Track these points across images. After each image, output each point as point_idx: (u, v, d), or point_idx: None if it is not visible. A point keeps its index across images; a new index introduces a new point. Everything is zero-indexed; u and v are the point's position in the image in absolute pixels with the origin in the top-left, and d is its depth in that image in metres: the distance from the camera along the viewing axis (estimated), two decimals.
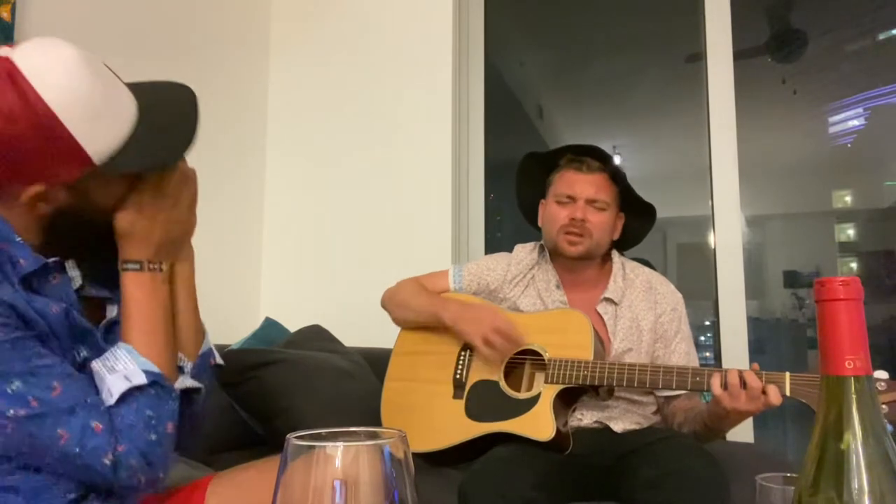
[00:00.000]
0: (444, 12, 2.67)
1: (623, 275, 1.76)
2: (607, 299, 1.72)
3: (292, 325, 2.33)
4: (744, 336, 2.33)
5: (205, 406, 1.08)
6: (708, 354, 3.37)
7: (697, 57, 2.56)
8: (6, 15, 1.77)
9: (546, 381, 1.57)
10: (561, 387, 1.55)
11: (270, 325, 2.33)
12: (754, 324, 3.86)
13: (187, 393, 1.02)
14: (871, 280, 4.01)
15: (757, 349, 3.00)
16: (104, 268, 1.00)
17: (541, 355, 1.61)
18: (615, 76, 4.04)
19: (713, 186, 2.41)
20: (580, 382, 1.54)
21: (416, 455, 1.55)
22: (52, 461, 0.86)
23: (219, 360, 1.11)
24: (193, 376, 1.03)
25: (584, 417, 1.64)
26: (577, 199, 1.69)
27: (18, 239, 0.92)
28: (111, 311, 1.03)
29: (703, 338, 3.51)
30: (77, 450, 0.85)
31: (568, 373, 1.54)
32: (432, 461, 1.64)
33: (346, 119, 2.74)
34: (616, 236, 1.77)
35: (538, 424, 1.52)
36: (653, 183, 2.24)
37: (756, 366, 1.41)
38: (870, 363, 0.49)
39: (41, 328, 0.88)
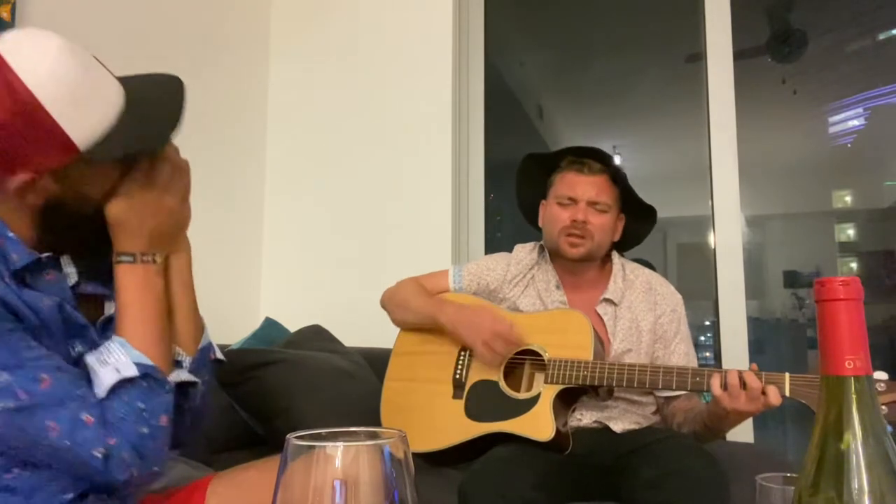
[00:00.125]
0: (444, 12, 2.67)
1: (623, 276, 1.76)
2: (607, 300, 1.72)
3: (292, 325, 2.33)
4: (744, 336, 2.33)
5: (206, 402, 1.07)
6: (708, 354, 3.38)
7: (697, 57, 2.56)
8: (6, 15, 1.78)
9: (546, 382, 1.57)
10: (561, 387, 1.55)
11: (270, 325, 2.33)
12: (754, 324, 3.87)
13: (184, 387, 1.01)
14: (871, 280, 4.01)
15: (757, 349, 3.00)
16: (101, 265, 0.99)
17: (540, 355, 1.61)
18: (615, 76, 4.04)
19: (713, 186, 2.41)
20: (580, 383, 1.54)
21: (416, 455, 1.55)
22: (44, 455, 0.86)
23: (219, 356, 1.10)
24: (192, 371, 1.02)
25: (584, 417, 1.64)
26: (578, 200, 1.69)
27: (11, 234, 0.92)
28: (109, 308, 1.03)
29: (703, 338, 3.51)
30: (67, 442, 0.84)
31: (568, 373, 1.55)
32: (432, 461, 1.64)
33: (345, 119, 2.74)
34: (617, 238, 1.77)
35: (538, 424, 1.52)
36: (653, 183, 2.23)
37: (755, 366, 1.41)
38: (870, 363, 0.49)
39: (32, 322, 0.87)
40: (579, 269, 1.75)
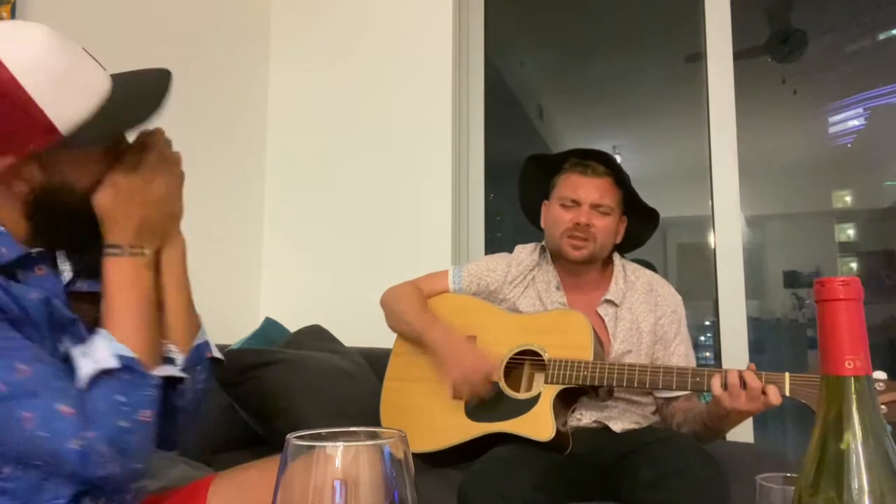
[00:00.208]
0: (444, 12, 2.67)
1: (624, 277, 1.76)
2: (608, 301, 1.72)
3: (292, 325, 2.33)
4: (744, 336, 2.34)
5: (202, 401, 1.04)
6: (708, 354, 3.38)
7: (697, 57, 2.56)
8: (6, 15, 1.78)
9: (546, 382, 1.57)
10: (561, 387, 1.55)
11: (270, 325, 2.33)
12: (754, 324, 3.86)
13: (175, 384, 0.99)
14: (871, 280, 4.01)
15: (757, 349, 3.00)
16: (97, 262, 0.98)
17: (540, 355, 1.61)
18: (615, 76, 4.04)
19: (713, 186, 2.41)
20: (580, 383, 1.54)
21: (416, 455, 1.55)
22: (21, 447, 0.84)
23: (216, 354, 1.07)
24: (185, 369, 0.99)
25: (584, 417, 1.64)
26: (581, 203, 1.69)
27: (1, 228, 0.92)
28: None
29: (703, 338, 3.51)
30: (42, 433, 0.83)
31: (568, 373, 1.54)
32: (432, 461, 1.64)
33: (345, 119, 2.74)
34: (619, 240, 1.77)
35: (538, 424, 1.52)
36: (653, 183, 2.23)
37: (753, 366, 1.41)
38: (870, 363, 0.49)
39: (15, 314, 0.86)
40: (581, 270, 1.75)
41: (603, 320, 1.70)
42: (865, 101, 3.85)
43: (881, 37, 3.58)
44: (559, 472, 1.46)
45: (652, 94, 4.05)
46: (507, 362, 1.64)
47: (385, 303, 1.84)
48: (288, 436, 0.46)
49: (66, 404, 0.84)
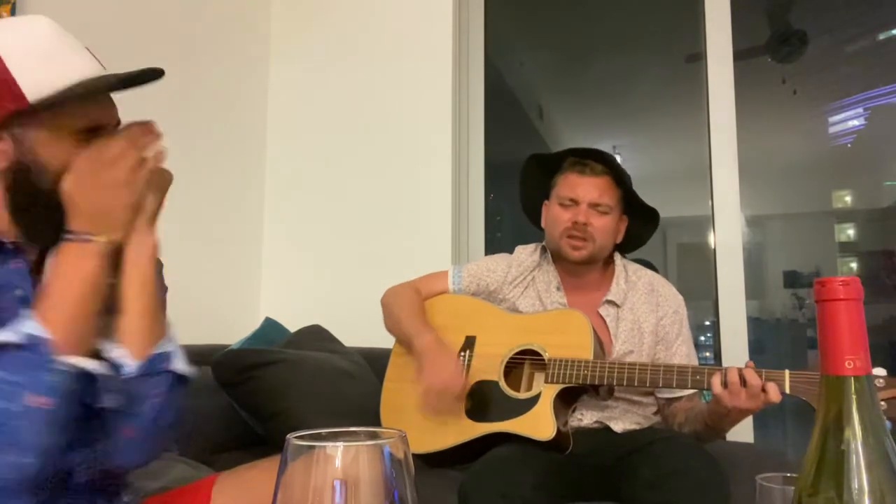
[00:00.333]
0: (444, 12, 2.67)
1: (625, 277, 1.76)
2: (609, 301, 1.72)
3: (292, 325, 2.33)
4: (744, 336, 2.34)
5: (162, 417, 0.94)
6: (708, 354, 3.37)
7: (697, 57, 2.56)
8: (6, 14, 1.78)
9: (546, 381, 1.57)
10: (561, 386, 1.55)
11: (270, 325, 2.33)
12: (754, 324, 3.86)
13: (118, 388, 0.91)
14: (871, 280, 4.00)
15: (757, 349, 3.00)
16: None
17: (540, 355, 1.61)
18: (615, 76, 4.03)
19: (713, 186, 2.41)
20: (580, 382, 1.54)
21: (416, 455, 1.55)
22: None
23: (178, 368, 0.96)
24: (136, 377, 0.92)
25: (585, 417, 1.64)
26: (579, 202, 1.69)
27: None
28: None
29: (703, 338, 3.50)
30: None
31: (568, 372, 1.54)
32: (432, 461, 1.64)
33: (345, 119, 2.74)
34: (619, 239, 1.76)
35: (538, 424, 1.52)
36: (653, 183, 2.23)
37: (751, 363, 1.41)
38: (870, 363, 0.49)
39: None
40: (581, 270, 1.75)
41: (604, 321, 1.70)
42: (865, 101, 3.85)
43: (881, 37, 3.58)
44: (559, 472, 1.45)
45: (652, 94, 4.05)
46: (508, 362, 1.64)
47: (385, 304, 1.84)
48: (288, 436, 0.45)
49: None
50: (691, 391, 1.63)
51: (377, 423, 1.75)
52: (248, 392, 1.81)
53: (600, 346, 1.62)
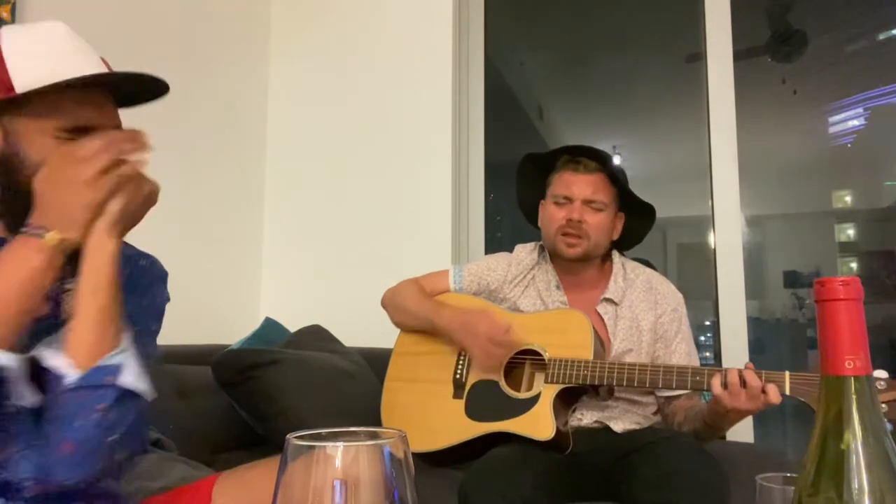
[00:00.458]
0: (444, 12, 2.67)
1: (623, 275, 1.76)
2: (607, 299, 1.72)
3: (292, 325, 2.33)
4: (744, 336, 2.34)
5: (107, 436, 0.86)
6: (708, 354, 3.37)
7: (697, 57, 2.56)
8: (6, 15, 1.78)
9: (546, 381, 1.57)
10: (561, 386, 1.55)
11: (270, 325, 2.33)
12: (754, 324, 3.86)
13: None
14: (871, 280, 4.01)
15: (757, 349, 3.00)
16: (67, 263, 0.92)
17: (541, 355, 1.61)
18: (615, 76, 4.04)
19: (713, 186, 2.41)
20: (580, 382, 1.54)
21: (416, 455, 1.55)
22: None
23: (127, 384, 0.87)
24: (75, 389, 0.85)
25: (584, 417, 1.64)
26: (573, 199, 1.69)
27: None
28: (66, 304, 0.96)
29: (703, 338, 3.50)
30: None
31: (568, 372, 1.54)
32: (432, 461, 1.64)
33: (345, 119, 2.74)
34: (615, 237, 1.76)
35: (538, 424, 1.52)
36: (653, 183, 2.24)
37: (750, 364, 1.41)
38: (870, 363, 0.49)
39: None
40: (579, 268, 1.75)
41: (602, 319, 1.70)
42: (865, 101, 3.85)
43: (881, 37, 3.58)
44: (560, 471, 1.46)
45: (652, 94, 4.05)
46: (508, 362, 1.64)
47: (387, 302, 1.84)
48: (288, 436, 0.45)
49: None
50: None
51: (377, 423, 1.75)
52: (248, 392, 1.81)
53: (601, 346, 1.62)
